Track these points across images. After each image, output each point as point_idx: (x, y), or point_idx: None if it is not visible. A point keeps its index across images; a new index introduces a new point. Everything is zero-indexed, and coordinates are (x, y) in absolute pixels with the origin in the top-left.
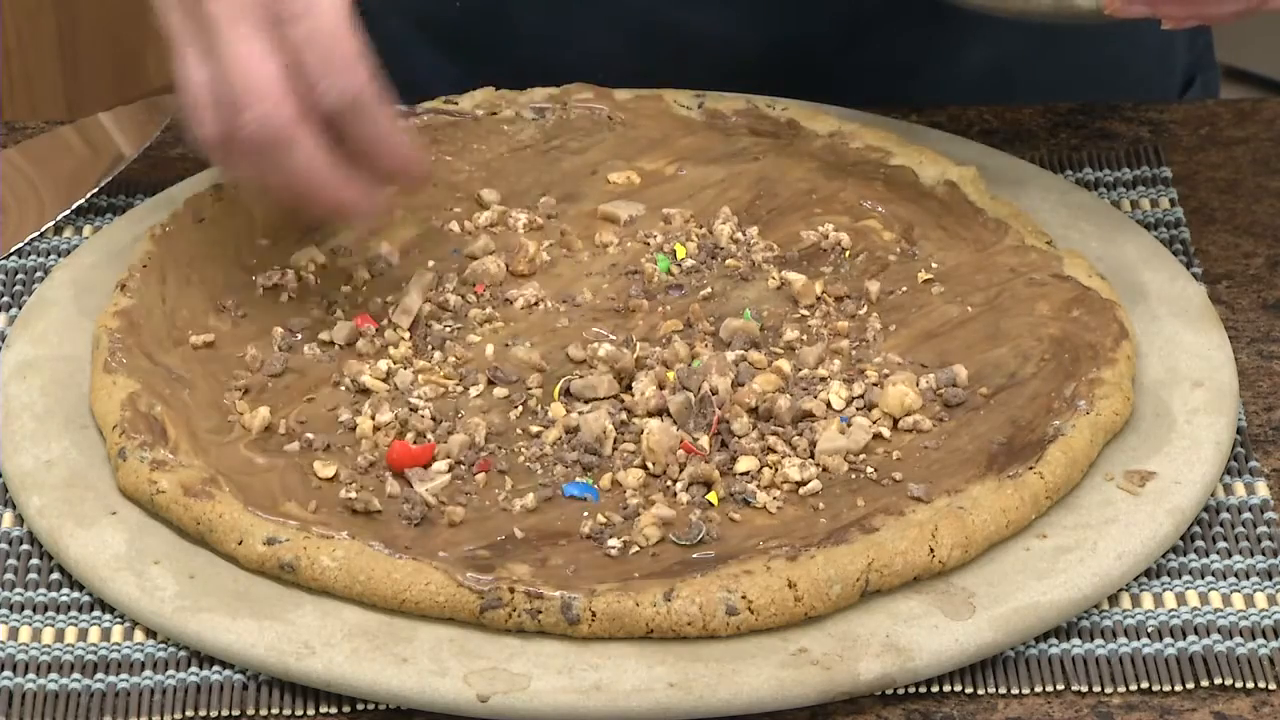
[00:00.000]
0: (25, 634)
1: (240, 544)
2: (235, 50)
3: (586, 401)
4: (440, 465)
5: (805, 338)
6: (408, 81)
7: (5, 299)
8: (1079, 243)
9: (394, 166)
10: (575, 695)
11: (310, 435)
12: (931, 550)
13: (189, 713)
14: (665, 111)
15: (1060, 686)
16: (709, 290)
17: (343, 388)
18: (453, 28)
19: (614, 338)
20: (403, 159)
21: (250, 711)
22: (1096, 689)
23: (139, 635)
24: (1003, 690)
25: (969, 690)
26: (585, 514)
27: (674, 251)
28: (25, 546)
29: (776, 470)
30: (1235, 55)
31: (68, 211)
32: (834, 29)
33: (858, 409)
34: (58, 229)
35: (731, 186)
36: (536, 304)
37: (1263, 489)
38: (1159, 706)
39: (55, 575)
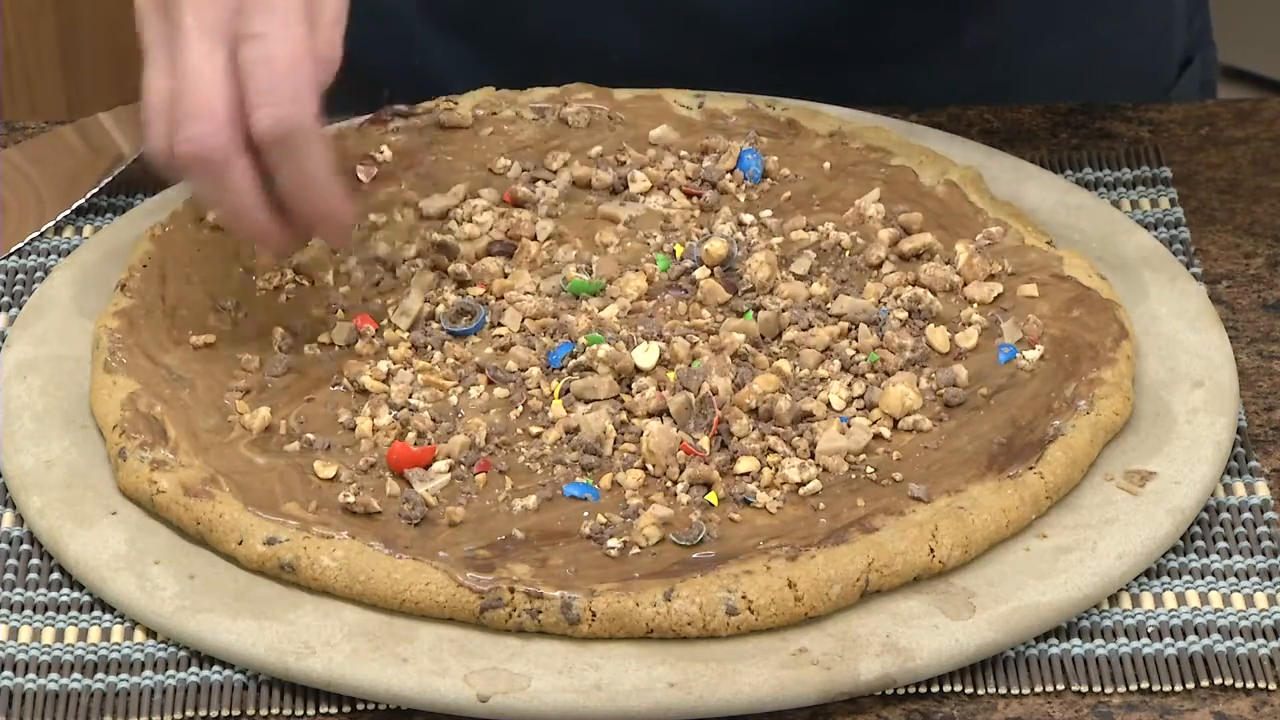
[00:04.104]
0: (25, 634)
1: (240, 544)
2: (192, 65)
3: (587, 402)
4: (440, 465)
5: (805, 338)
6: (416, 66)
7: (5, 299)
8: (1079, 243)
9: (318, 212)
10: (575, 695)
11: (310, 435)
12: (931, 550)
13: (189, 713)
14: (665, 111)
15: (1060, 686)
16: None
17: (342, 388)
18: (462, 9)
19: (614, 338)
20: (328, 207)
21: (250, 711)
22: (1096, 689)
23: (139, 635)
24: (1003, 690)
25: (969, 690)
26: (585, 514)
27: (674, 251)
28: (25, 546)
29: (776, 471)
30: (1235, 55)
31: (68, 211)
32: (841, 9)
33: (858, 409)
34: (58, 229)
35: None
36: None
37: (1263, 489)
38: (1159, 706)
39: (55, 575)
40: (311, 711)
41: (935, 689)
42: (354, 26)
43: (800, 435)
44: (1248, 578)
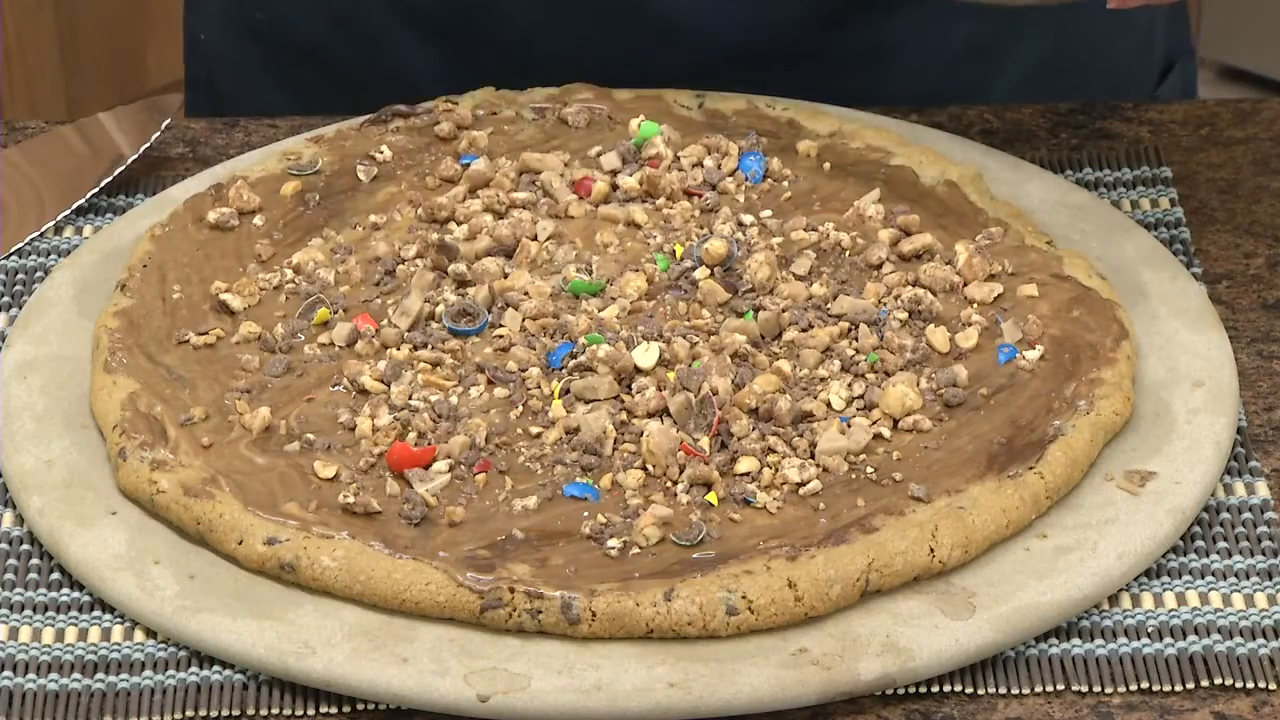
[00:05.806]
0: (25, 634)
1: (240, 544)
2: None
3: (587, 402)
4: (440, 465)
5: (805, 338)
6: (392, 71)
7: (5, 299)
8: (1079, 243)
9: None
10: (575, 695)
11: (310, 435)
12: (931, 550)
13: (189, 713)
14: (665, 112)
15: (1060, 686)
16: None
17: (342, 388)
18: (439, 16)
19: (614, 338)
20: None
21: (250, 711)
22: (1096, 689)
23: (139, 635)
24: (1003, 690)
25: (969, 690)
26: (585, 514)
27: (674, 251)
28: (25, 546)
29: (776, 471)
30: (1234, 55)
31: (68, 211)
32: (817, 12)
33: (858, 409)
34: (58, 229)
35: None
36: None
37: (1263, 489)
38: (1159, 706)
39: (55, 575)
40: (311, 711)
41: (935, 689)
42: (329, 31)
43: (800, 435)
44: (1248, 578)
